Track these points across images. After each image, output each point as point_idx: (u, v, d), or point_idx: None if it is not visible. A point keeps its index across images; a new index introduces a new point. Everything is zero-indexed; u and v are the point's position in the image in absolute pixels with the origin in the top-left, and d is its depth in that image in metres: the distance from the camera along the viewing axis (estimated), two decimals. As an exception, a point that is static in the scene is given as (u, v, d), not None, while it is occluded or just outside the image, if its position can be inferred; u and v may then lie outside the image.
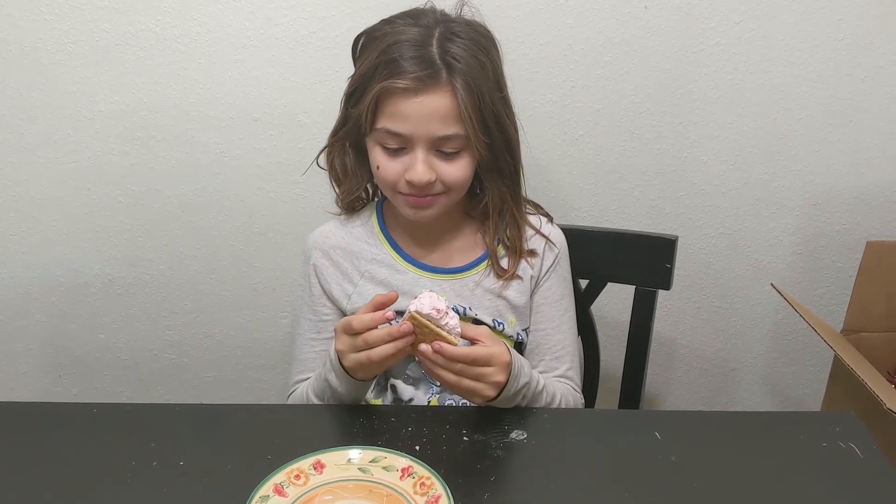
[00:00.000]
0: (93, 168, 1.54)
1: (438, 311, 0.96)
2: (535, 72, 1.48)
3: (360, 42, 1.13)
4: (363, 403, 1.13)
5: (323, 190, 1.52)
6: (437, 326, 0.97)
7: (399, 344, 0.98)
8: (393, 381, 1.19)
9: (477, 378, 0.99)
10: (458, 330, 0.99)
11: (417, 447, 0.96)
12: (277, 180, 1.56)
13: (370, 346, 0.98)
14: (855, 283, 1.46)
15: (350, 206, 1.23)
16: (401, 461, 0.92)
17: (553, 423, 1.03)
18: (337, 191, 1.21)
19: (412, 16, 1.09)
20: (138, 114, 1.50)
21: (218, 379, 1.72)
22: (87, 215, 1.57)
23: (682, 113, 1.54)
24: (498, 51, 1.13)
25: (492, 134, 1.08)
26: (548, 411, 1.07)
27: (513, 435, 1.00)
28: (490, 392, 1.01)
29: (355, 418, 1.03)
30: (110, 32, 1.45)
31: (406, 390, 1.19)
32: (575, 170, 1.57)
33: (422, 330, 0.97)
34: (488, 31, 1.12)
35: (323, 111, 1.50)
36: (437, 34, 1.06)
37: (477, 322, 1.17)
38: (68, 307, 1.64)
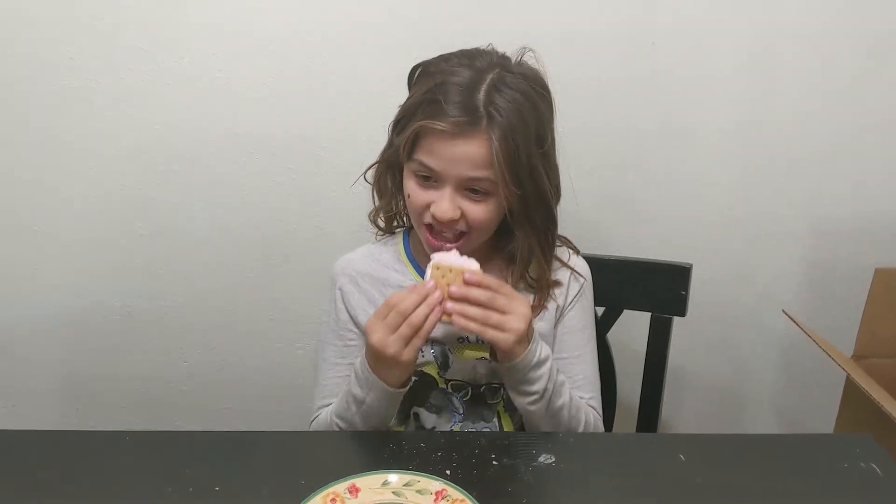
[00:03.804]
0: (114, 202, 1.56)
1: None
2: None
3: (417, 73, 1.16)
4: (386, 429, 1.15)
5: (339, 223, 1.56)
6: (459, 265, 1.04)
7: (431, 301, 1.02)
8: (416, 409, 1.21)
9: (504, 309, 1.04)
10: (478, 266, 1.05)
11: (448, 471, 0.98)
12: (296, 212, 1.59)
13: (406, 316, 1.02)
14: (864, 310, 1.49)
15: (387, 222, 1.26)
16: (434, 484, 0.94)
17: (579, 446, 1.05)
18: (377, 203, 1.24)
19: (469, 56, 1.11)
20: (159, 149, 1.54)
21: (233, 410, 1.73)
22: (107, 249, 1.59)
23: (689, 146, 1.58)
24: (549, 104, 1.14)
25: (524, 187, 1.09)
26: (574, 436, 1.09)
27: (541, 459, 1.01)
28: (520, 324, 1.04)
29: (385, 444, 1.05)
30: (134, 71, 1.49)
31: (429, 418, 1.21)
32: (585, 201, 1.58)
33: (447, 275, 1.04)
34: (542, 82, 1.13)
35: (341, 145, 1.53)
36: (487, 80, 1.07)
37: None
38: (87, 339, 1.66)
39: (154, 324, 1.66)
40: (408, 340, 1.03)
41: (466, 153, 1.06)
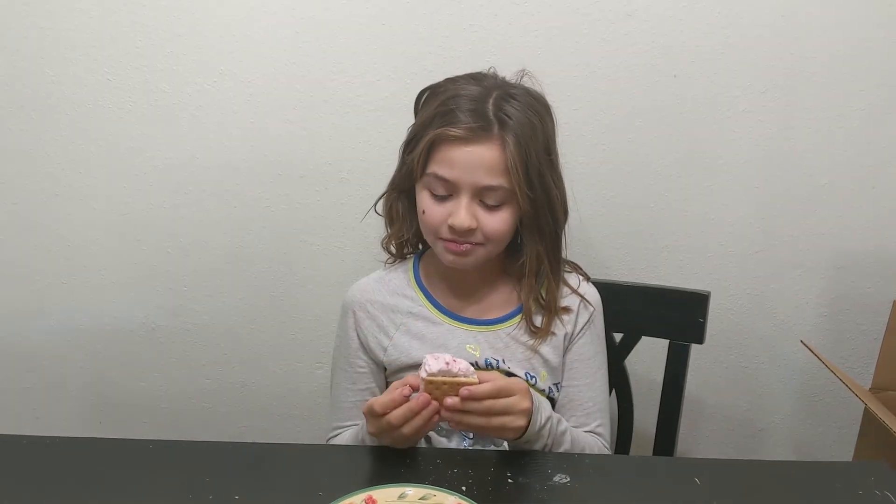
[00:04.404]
0: (143, 220, 1.60)
1: (447, 362, 1.01)
2: (568, 135, 1.53)
3: (424, 96, 1.21)
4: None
5: (362, 245, 1.59)
6: (453, 377, 1.01)
7: (425, 414, 1.02)
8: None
9: (506, 410, 1.03)
10: (473, 370, 1.03)
11: (464, 487, 0.99)
12: (319, 234, 1.62)
13: (397, 427, 1.02)
14: (883, 342, 1.49)
15: (398, 248, 1.28)
16: (450, 499, 0.95)
17: (595, 467, 1.06)
18: (389, 230, 1.27)
19: (475, 77, 1.17)
20: (189, 169, 1.58)
21: (252, 428, 1.75)
22: (135, 265, 1.63)
23: (709, 176, 1.60)
24: (552, 118, 1.19)
25: (535, 190, 1.13)
26: (589, 457, 1.10)
27: (556, 478, 1.02)
28: (521, 421, 1.04)
29: (402, 459, 1.06)
30: (168, 92, 1.54)
31: (440, 442, 1.22)
32: (605, 229, 1.62)
33: (441, 388, 1.01)
34: (544, 100, 1.19)
35: (366, 170, 1.57)
36: (494, 94, 1.12)
37: (509, 375, 1.20)
38: (111, 354, 1.69)
39: (177, 340, 1.68)
40: (401, 441, 1.05)
41: (481, 158, 1.10)
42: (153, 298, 1.65)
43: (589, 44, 1.52)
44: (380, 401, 1.03)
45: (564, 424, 1.15)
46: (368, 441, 1.11)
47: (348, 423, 1.24)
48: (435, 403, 1.02)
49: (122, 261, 1.63)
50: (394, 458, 1.07)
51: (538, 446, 1.09)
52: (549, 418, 1.10)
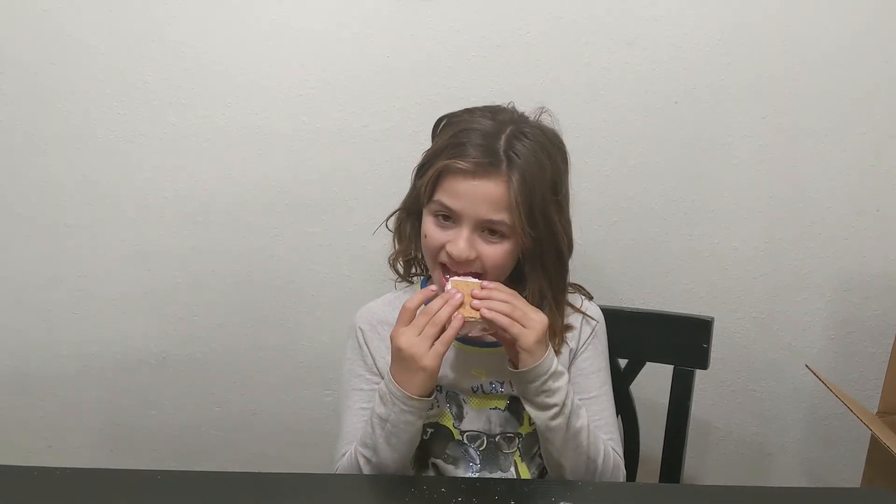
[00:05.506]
0: (154, 250, 1.63)
1: (473, 275, 1.14)
2: (572, 162, 1.55)
3: (441, 124, 1.23)
4: (410, 473, 1.16)
5: (368, 272, 1.61)
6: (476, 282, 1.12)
7: (453, 302, 1.08)
8: (434, 460, 1.23)
9: (524, 309, 1.11)
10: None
11: (468, 516, 1.00)
12: (326, 262, 1.64)
13: (430, 315, 1.08)
14: (889, 365, 1.49)
15: (405, 266, 1.30)
16: (454, 528, 0.96)
17: (598, 494, 1.07)
18: (397, 246, 1.29)
19: (492, 110, 1.19)
20: (198, 200, 1.60)
21: (263, 455, 1.75)
22: (145, 295, 1.65)
23: (712, 200, 1.61)
24: (565, 158, 1.21)
25: (538, 229, 1.14)
26: (593, 484, 1.10)
27: (560, 506, 1.03)
28: (540, 321, 1.10)
29: (407, 488, 1.07)
30: (177, 125, 1.56)
31: (446, 469, 1.23)
32: (610, 254, 1.63)
33: (466, 286, 1.11)
34: (559, 139, 1.21)
35: (372, 198, 1.59)
36: (507, 130, 1.14)
37: (513, 398, 1.22)
38: (123, 383, 1.70)
39: (188, 369, 1.70)
40: (433, 341, 1.07)
41: (486, 193, 1.12)
42: (164, 327, 1.67)
43: (591, 72, 1.54)
44: (411, 297, 1.11)
45: (577, 401, 1.16)
46: (382, 412, 1.11)
47: None
48: (461, 294, 1.09)
49: (132, 290, 1.65)
50: (399, 487, 1.08)
51: (558, 398, 1.11)
52: (565, 372, 1.14)
